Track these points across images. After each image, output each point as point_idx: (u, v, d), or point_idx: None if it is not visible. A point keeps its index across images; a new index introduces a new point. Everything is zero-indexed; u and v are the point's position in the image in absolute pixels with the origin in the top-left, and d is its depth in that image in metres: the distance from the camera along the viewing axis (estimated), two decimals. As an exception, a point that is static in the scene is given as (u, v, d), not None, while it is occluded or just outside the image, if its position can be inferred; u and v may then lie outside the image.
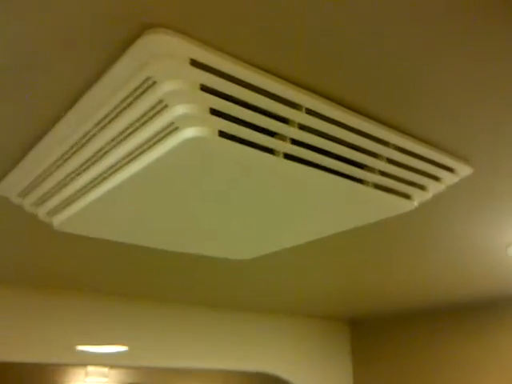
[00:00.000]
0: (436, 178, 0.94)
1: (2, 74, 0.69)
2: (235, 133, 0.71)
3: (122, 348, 2.08)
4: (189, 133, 0.68)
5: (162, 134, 0.70)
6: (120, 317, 2.11)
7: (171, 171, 0.76)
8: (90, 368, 1.97)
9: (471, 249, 1.55)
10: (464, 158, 0.96)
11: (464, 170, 0.96)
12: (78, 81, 0.70)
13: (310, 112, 0.75)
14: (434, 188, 0.95)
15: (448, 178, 0.95)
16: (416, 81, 0.72)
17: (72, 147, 0.81)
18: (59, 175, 0.88)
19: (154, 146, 0.72)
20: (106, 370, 2.03)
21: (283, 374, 2.49)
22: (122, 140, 0.74)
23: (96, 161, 0.81)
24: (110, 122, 0.73)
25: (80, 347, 1.97)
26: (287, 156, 0.77)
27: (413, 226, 1.33)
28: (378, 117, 0.81)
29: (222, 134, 0.70)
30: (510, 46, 0.65)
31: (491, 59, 0.67)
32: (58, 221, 0.99)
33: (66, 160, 0.85)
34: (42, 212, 0.99)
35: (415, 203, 0.95)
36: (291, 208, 0.93)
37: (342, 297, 2.37)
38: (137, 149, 0.74)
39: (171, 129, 0.69)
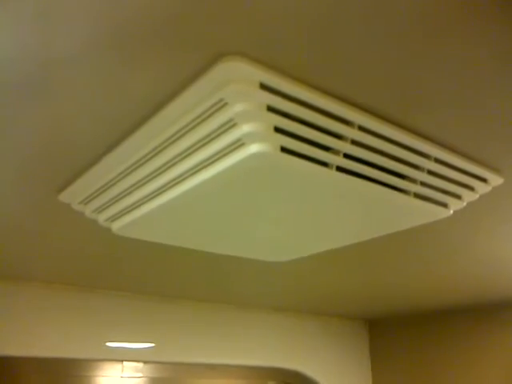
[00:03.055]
0: (470, 188, 1.01)
1: (91, 85, 0.76)
2: (295, 148, 0.78)
3: (151, 344, 2.16)
4: (254, 148, 0.76)
5: (229, 149, 0.78)
6: (148, 315, 2.19)
7: (234, 182, 0.84)
8: (126, 363, 2.05)
9: (492, 257, 1.61)
10: (495, 169, 1.02)
11: (495, 180, 1.03)
12: (155, 99, 0.78)
13: (361, 128, 0.82)
14: (468, 197, 1.02)
15: (481, 188, 1.02)
16: (461, 102, 0.79)
17: (140, 159, 0.89)
18: (124, 185, 0.96)
19: (221, 159, 0.79)
20: (140, 365, 2.11)
21: (306, 370, 2.57)
22: (190, 153, 0.82)
23: (162, 172, 0.89)
24: (180, 137, 0.81)
25: (110, 343, 2.06)
26: (339, 168, 0.84)
27: (438, 233, 1.39)
28: (421, 131, 0.88)
29: (284, 150, 0.77)
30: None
31: (530, 82, 0.74)
32: (117, 226, 1.07)
33: (132, 171, 0.93)
34: (102, 218, 1.07)
35: (451, 211, 1.02)
36: (335, 214, 1.00)
37: (362, 298, 2.44)
38: (204, 161, 0.81)
39: (238, 144, 0.77)
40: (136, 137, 0.86)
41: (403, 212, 0.99)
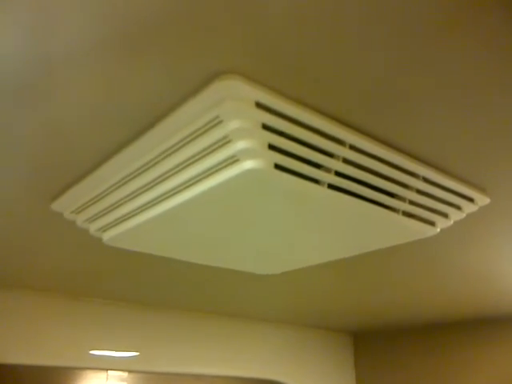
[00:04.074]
0: (457, 207, 1.03)
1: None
2: (288, 165, 0.79)
3: (134, 353, 2.15)
4: (248, 165, 0.77)
5: (223, 165, 0.79)
6: (133, 324, 2.19)
7: (227, 197, 0.85)
8: (111, 372, 2.04)
9: (477, 273, 1.64)
10: (482, 189, 1.04)
11: (482, 200, 1.05)
12: (153, 111, 0.79)
13: (352, 147, 0.84)
14: (455, 216, 1.04)
15: (468, 207, 1.04)
16: (448, 121, 0.82)
17: (134, 171, 0.90)
18: (116, 196, 0.97)
19: (215, 175, 0.81)
20: (125, 374, 2.10)
21: (290, 382, 2.58)
22: (184, 168, 0.83)
23: (155, 185, 0.90)
24: (175, 151, 0.82)
25: (93, 352, 2.05)
26: (330, 186, 0.85)
27: (423, 250, 1.41)
28: (410, 151, 0.91)
29: (277, 167, 0.79)
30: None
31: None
32: (107, 236, 1.07)
33: (125, 182, 0.94)
34: (93, 228, 1.08)
35: (438, 229, 1.04)
36: (325, 230, 1.01)
37: (348, 311, 2.45)
38: (198, 176, 0.83)
39: (232, 160, 0.78)
40: (132, 149, 0.87)
41: (391, 229, 1.01)
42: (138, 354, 2.15)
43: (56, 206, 1.08)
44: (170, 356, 2.26)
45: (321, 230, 1.00)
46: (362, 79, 0.71)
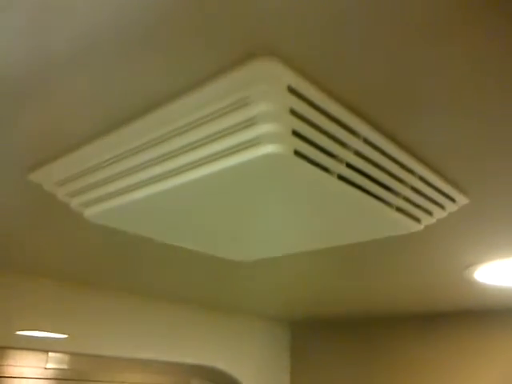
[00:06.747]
0: (441, 206, 1.08)
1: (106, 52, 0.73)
2: (306, 153, 0.79)
3: (63, 335, 2.07)
4: (270, 148, 0.76)
5: (243, 146, 0.77)
6: (65, 304, 2.11)
7: (238, 179, 0.83)
8: (51, 354, 1.95)
9: (431, 269, 1.73)
10: (463, 190, 1.10)
11: (462, 200, 1.11)
12: (177, 83, 0.75)
13: (365, 141, 0.85)
14: (438, 214, 1.08)
15: (450, 207, 1.09)
16: (443, 122, 0.85)
17: (139, 147, 0.86)
18: (109, 172, 0.92)
19: (232, 155, 0.79)
20: (66, 357, 2.01)
21: (228, 368, 2.60)
22: (199, 146, 0.80)
23: (159, 162, 0.86)
24: (193, 128, 0.79)
25: (20, 332, 1.95)
26: (339, 177, 0.86)
27: (382, 244, 1.47)
28: (411, 148, 0.93)
29: (296, 153, 0.78)
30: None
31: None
32: (91, 211, 1.02)
33: (122, 158, 0.89)
34: (75, 202, 1.02)
35: (422, 226, 1.08)
36: (320, 218, 1.02)
37: (286, 300, 2.50)
38: (212, 155, 0.80)
39: (254, 143, 0.76)
40: (139, 124, 0.83)
41: (382, 223, 1.03)
42: (67, 336, 2.06)
43: (35, 176, 1.01)
44: (101, 338, 2.20)
45: (316, 218, 1.01)
46: (382, 74, 0.72)
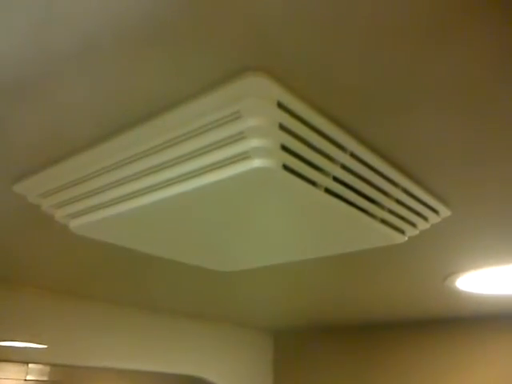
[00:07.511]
0: (425, 218, 1.09)
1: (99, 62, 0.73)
2: (295, 167, 0.80)
3: (42, 346, 2.04)
4: (259, 163, 0.77)
5: (232, 160, 0.78)
6: (42, 314, 2.08)
7: (228, 193, 0.83)
8: (31, 365, 1.91)
9: (412, 277, 1.75)
10: (446, 202, 1.12)
11: (445, 212, 1.13)
12: (167, 97, 0.76)
13: (352, 155, 0.86)
14: (422, 226, 1.10)
15: (433, 218, 1.11)
16: (426, 130, 0.87)
17: (126, 159, 0.86)
18: (98, 183, 0.92)
19: (221, 169, 0.79)
20: (47, 368, 1.98)
21: (211, 377, 2.58)
22: (189, 158, 0.81)
23: (148, 174, 0.86)
24: (181, 141, 0.79)
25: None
26: (326, 190, 0.87)
27: (361, 256, 1.48)
28: (395, 161, 0.95)
29: (285, 167, 0.79)
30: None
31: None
32: (76, 223, 1.01)
33: (111, 170, 0.89)
34: (60, 214, 1.01)
35: (406, 237, 1.10)
36: (306, 229, 1.03)
37: (270, 310, 2.50)
38: (201, 169, 0.80)
39: (243, 156, 0.77)
40: (127, 136, 0.83)
41: (367, 234, 1.04)
42: (46, 346, 2.03)
43: (19, 187, 1.00)
44: (85, 349, 2.17)
45: (303, 230, 1.02)
46: (368, 91, 0.74)
